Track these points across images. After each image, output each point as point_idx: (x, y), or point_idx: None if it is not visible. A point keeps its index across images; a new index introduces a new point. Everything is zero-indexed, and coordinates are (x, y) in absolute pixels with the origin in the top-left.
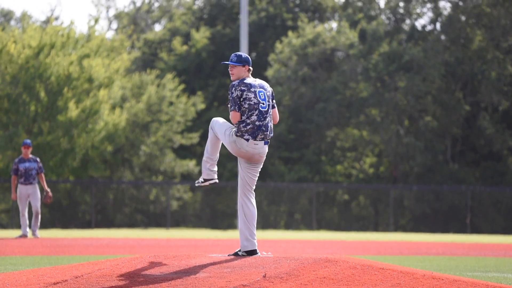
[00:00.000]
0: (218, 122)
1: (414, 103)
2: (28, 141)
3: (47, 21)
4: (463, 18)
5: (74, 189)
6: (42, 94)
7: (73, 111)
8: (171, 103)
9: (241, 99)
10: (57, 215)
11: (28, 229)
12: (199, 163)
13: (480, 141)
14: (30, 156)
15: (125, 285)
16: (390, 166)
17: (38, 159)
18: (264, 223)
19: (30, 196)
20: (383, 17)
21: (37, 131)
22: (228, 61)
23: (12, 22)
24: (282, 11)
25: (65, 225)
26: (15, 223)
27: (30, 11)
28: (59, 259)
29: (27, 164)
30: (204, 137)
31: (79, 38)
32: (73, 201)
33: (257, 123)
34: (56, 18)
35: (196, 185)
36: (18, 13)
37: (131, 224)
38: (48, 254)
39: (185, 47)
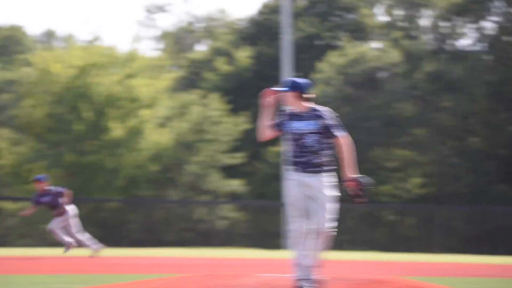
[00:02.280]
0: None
1: (459, 123)
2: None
3: (91, 41)
4: (508, 39)
5: (122, 208)
6: (87, 113)
7: (117, 131)
8: (215, 123)
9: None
10: (106, 233)
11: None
12: (245, 182)
13: None
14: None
15: None
16: (437, 186)
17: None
18: None
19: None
20: (426, 37)
21: (83, 150)
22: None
23: (56, 43)
24: (321, 30)
25: (115, 243)
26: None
27: (74, 31)
28: (109, 277)
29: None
30: (250, 157)
31: (123, 58)
32: (121, 220)
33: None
34: (100, 38)
35: None
36: (61, 33)
37: (179, 243)
38: (98, 272)
39: (228, 67)
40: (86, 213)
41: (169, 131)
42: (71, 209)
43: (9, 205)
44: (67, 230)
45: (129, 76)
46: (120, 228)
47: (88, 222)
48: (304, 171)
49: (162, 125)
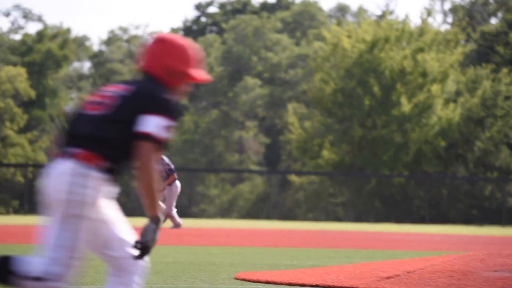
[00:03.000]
0: None
1: None
2: None
3: (382, 15)
4: None
5: (408, 183)
6: (376, 88)
7: (406, 106)
8: (507, 98)
9: None
10: (391, 209)
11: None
12: None
13: None
14: None
15: (457, 283)
16: None
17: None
18: None
19: None
20: None
21: (371, 125)
22: None
23: (348, 17)
24: None
25: (400, 219)
26: (350, 216)
27: (366, 5)
28: (392, 253)
29: None
30: None
31: (413, 31)
32: (407, 195)
33: None
34: (391, 12)
35: None
36: (354, 8)
37: (465, 220)
38: (381, 248)
39: None
40: (372, 188)
41: (458, 106)
42: (179, 185)
43: (297, 179)
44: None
45: (420, 50)
46: (406, 204)
47: (374, 197)
48: None
49: (451, 100)
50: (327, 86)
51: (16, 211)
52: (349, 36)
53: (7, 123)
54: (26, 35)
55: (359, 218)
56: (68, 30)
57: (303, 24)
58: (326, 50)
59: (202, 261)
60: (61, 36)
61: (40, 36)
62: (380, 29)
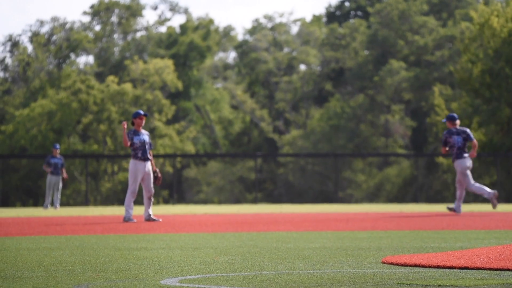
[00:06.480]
0: None
1: None
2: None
3: None
4: None
5: None
6: None
7: None
8: None
9: None
10: None
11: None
12: None
13: None
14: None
15: None
16: None
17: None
18: None
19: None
20: None
21: None
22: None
23: None
24: None
25: None
26: (500, 197)
27: None
28: None
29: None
30: None
31: None
32: None
33: None
34: None
35: None
36: None
37: None
38: None
39: None
40: None
41: None
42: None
43: (444, 161)
44: None
45: None
46: None
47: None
48: None
49: None
50: (474, 67)
51: (166, 201)
52: (497, 16)
53: (156, 115)
54: (170, 27)
55: (509, 198)
56: (210, 21)
57: (449, 5)
58: (473, 31)
59: (349, 246)
60: (204, 27)
61: (184, 28)
62: None
